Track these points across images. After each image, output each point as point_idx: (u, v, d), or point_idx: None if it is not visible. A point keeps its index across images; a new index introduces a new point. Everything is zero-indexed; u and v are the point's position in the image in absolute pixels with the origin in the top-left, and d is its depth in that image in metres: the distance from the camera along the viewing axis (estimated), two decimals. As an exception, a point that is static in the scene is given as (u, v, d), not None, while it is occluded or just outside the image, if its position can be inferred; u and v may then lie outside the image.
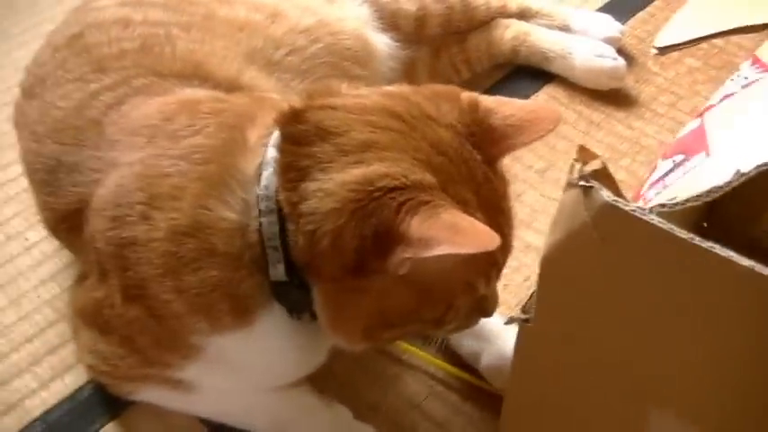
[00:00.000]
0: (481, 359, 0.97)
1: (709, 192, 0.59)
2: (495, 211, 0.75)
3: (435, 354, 1.00)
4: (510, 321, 0.72)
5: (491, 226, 0.67)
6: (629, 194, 0.78)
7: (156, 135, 0.81)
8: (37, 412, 0.97)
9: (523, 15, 1.43)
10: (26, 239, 1.16)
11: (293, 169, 0.72)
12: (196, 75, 0.91)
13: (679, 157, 0.84)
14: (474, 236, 0.65)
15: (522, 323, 0.71)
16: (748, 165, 0.59)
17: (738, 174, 0.58)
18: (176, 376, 0.86)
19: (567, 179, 0.60)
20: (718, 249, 0.54)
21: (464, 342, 0.99)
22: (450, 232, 0.65)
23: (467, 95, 0.78)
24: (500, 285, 1.07)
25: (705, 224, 0.85)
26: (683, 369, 0.62)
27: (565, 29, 1.42)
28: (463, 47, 1.38)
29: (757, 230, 0.85)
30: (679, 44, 1.49)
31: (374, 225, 0.67)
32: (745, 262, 0.53)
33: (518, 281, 1.11)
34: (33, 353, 1.03)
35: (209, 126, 0.79)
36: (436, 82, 0.84)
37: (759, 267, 0.52)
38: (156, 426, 0.96)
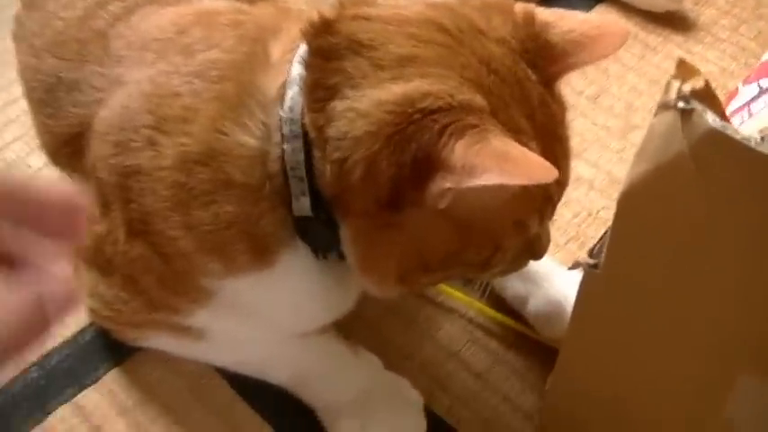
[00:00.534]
0: (527, 304, 0.89)
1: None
2: (552, 140, 0.67)
3: (476, 296, 0.91)
4: (575, 266, 0.62)
5: (546, 156, 0.60)
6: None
7: (168, 49, 0.72)
8: (33, 356, 0.88)
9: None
10: (28, 166, 1.08)
11: (321, 87, 0.62)
12: None
13: (766, 81, 0.73)
14: (526, 166, 0.56)
15: (589, 269, 0.61)
16: None
17: None
18: (185, 322, 0.78)
19: (662, 100, 0.49)
20: None
21: (508, 284, 0.90)
22: (499, 160, 0.56)
23: (521, 7, 0.68)
24: None
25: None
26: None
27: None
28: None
29: None
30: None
31: (413, 151, 0.59)
32: None
33: (567, 217, 1.01)
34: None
35: (228, 39, 0.70)
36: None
37: None
38: (164, 373, 0.89)
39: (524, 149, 0.58)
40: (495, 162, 0.56)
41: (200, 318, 0.76)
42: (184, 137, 0.67)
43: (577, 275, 0.63)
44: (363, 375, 0.84)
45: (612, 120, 1.12)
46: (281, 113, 0.64)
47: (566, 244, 0.99)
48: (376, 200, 0.62)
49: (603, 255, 0.59)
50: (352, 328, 0.87)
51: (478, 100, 0.61)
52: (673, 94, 0.48)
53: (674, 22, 1.27)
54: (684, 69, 0.48)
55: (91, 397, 0.87)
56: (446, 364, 0.89)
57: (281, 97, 0.65)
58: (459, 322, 0.92)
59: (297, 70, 0.65)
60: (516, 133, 0.61)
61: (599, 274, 0.60)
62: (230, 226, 0.67)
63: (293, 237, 0.68)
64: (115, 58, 0.76)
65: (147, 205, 0.68)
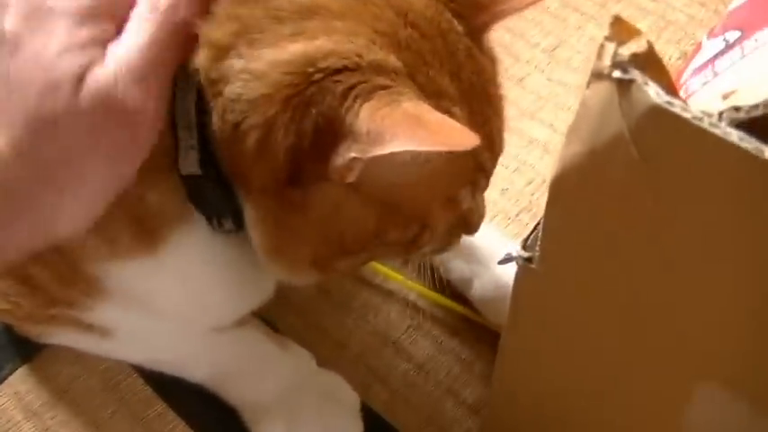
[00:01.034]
0: (473, 287, 0.80)
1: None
2: (481, 101, 0.58)
3: (415, 278, 0.82)
4: (506, 260, 0.53)
5: (475, 119, 0.55)
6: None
7: None
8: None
9: None
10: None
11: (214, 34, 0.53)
12: None
13: (733, 35, 0.63)
14: (441, 131, 0.48)
15: (523, 263, 0.52)
16: None
17: None
18: (85, 317, 0.68)
19: (594, 67, 0.40)
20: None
21: (452, 264, 0.81)
22: (410, 124, 0.48)
23: None
24: (498, 189, 0.90)
25: None
26: (752, 335, 0.44)
27: None
28: None
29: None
30: None
31: (314, 117, 0.50)
32: None
33: (519, 185, 0.92)
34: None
35: None
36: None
37: None
38: (76, 371, 0.80)
39: (440, 115, 0.50)
40: (404, 127, 0.48)
41: (98, 312, 0.67)
42: None
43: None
44: (290, 372, 0.75)
45: (570, 75, 1.02)
46: None
47: (517, 215, 0.90)
48: (274, 174, 0.53)
49: (538, 248, 0.50)
50: (280, 314, 0.79)
51: (392, 60, 0.52)
52: (606, 60, 0.38)
53: (638, -36, 1.16)
54: (621, 28, 0.38)
55: (-6, 399, 0.78)
56: (384, 354, 0.80)
57: None
58: (398, 307, 0.83)
59: None
60: (437, 97, 0.53)
61: (534, 270, 0.51)
62: None
63: (188, 210, 0.59)
64: None
65: None
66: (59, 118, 0.49)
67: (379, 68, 0.51)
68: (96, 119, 0.50)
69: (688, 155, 0.38)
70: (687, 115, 0.36)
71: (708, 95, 0.62)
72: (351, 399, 0.75)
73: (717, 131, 0.36)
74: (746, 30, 0.62)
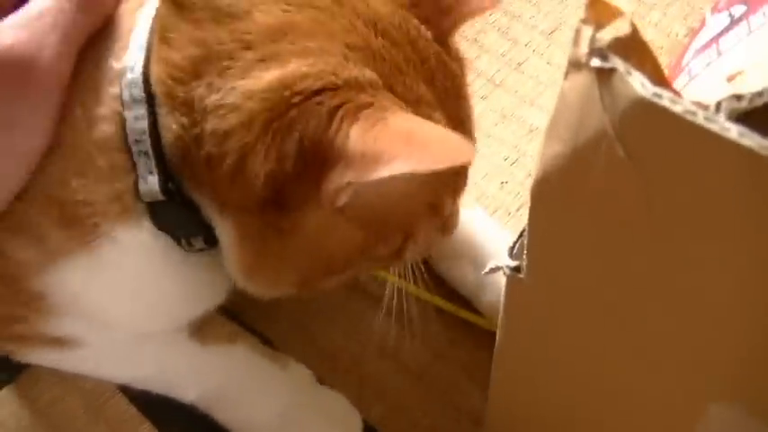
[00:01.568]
0: (484, 293, 0.76)
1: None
2: (455, 103, 0.58)
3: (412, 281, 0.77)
4: (492, 270, 0.48)
5: (453, 123, 0.55)
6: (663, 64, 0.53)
7: None
8: None
9: None
10: None
11: (177, 55, 0.53)
12: None
13: (739, 9, 0.58)
14: (438, 146, 0.47)
15: (511, 272, 0.47)
16: None
17: None
18: (47, 333, 0.65)
19: (571, 55, 0.35)
20: None
21: (461, 271, 0.77)
22: (405, 143, 0.47)
23: None
24: (497, 183, 0.85)
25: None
26: (758, 346, 0.39)
27: None
28: None
29: None
30: None
31: (297, 140, 0.49)
32: None
33: (519, 177, 0.87)
34: None
35: None
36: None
37: None
38: (58, 393, 0.76)
39: (431, 125, 0.51)
40: (400, 147, 0.47)
41: (59, 325, 0.64)
42: None
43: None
44: (289, 392, 0.71)
45: (571, 59, 0.97)
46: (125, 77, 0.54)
47: (518, 210, 0.84)
48: (254, 198, 0.52)
49: (525, 256, 0.45)
50: (268, 323, 0.75)
51: (368, 74, 0.52)
52: (584, 47, 0.33)
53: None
54: (599, 9, 0.33)
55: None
56: (378, 364, 0.75)
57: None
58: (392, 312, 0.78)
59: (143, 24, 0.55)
60: (416, 104, 0.53)
61: (523, 280, 0.46)
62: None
63: (127, 207, 0.56)
64: None
65: None
66: None
67: (357, 85, 0.51)
68: None
69: (680, 153, 0.33)
70: (678, 109, 0.31)
71: (711, 79, 0.57)
72: (353, 419, 0.71)
73: (713, 127, 0.30)
74: (753, 2, 0.56)
